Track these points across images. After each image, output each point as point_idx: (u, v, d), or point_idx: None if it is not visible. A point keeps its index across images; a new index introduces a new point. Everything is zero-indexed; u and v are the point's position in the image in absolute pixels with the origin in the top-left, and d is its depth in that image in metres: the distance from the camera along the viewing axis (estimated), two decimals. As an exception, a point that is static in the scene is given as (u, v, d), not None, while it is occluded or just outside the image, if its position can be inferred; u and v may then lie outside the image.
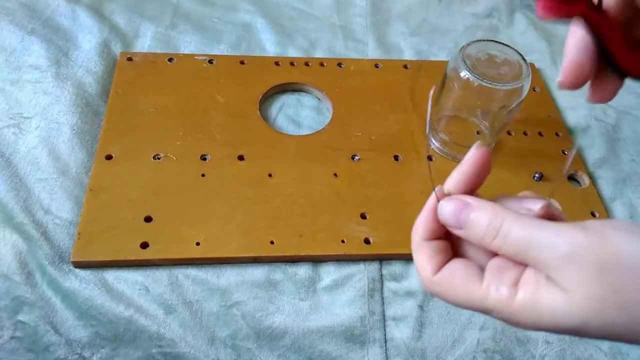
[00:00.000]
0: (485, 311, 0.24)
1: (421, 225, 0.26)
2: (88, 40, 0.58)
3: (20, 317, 0.39)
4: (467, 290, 0.24)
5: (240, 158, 0.50)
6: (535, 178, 0.53)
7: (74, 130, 0.50)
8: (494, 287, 0.23)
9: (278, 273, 0.44)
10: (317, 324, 0.42)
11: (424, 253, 0.26)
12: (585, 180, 0.54)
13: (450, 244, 0.27)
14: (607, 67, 0.28)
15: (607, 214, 0.52)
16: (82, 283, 0.42)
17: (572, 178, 0.55)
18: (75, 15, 0.60)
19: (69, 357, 0.39)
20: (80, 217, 0.44)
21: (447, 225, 0.25)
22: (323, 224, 0.46)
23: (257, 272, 0.44)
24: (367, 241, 0.46)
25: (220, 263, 0.44)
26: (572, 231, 0.22)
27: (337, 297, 0.44)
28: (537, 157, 0.55)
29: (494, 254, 0.25)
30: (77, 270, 0.42)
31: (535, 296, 0.22)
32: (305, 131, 0.55)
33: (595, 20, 0.26)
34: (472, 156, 0.26)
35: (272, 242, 0.45)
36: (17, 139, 0.49)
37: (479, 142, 0.26)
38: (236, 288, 0.43)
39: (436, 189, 0.26)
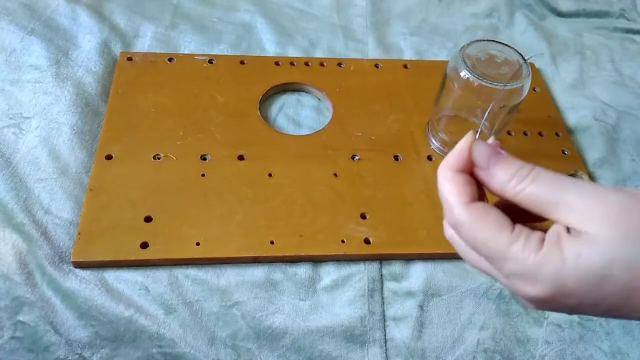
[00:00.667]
0: (501, 259, 0.24)
1: (454, 157, 0.26)
2: (88, 40, 0.58)
3: (20, 317, 0.39)
4: (496, 231, 0.24)
5: (240, 158, 0.50)
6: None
7: (74, 130, 0.50)
8: (524, 237, 0.23)
9: (278, 273, 0.44)
10: (317, 324, 0.42)
11: (457, 182, 0.25)
12: (586, 180, 0.54)
13: (482, 192, 0.27)
14: None
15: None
16: (82, 283, 0.42)
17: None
18: (75, 15, 0.60)
19: (69, 357, 0.39)
20: (80, 217, 0.44)
21: (475, 162, 0.25)
22: (323, 224, 0.46)
23: (257, 272, 0.44)
24: (367, 241, 0.46)
25: (220, 263, 0.44)
26: (595, 184, 0.23)
27: (337, 297, 0.44)
28: (537, 157, 0.55)
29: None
30: (77, 270, 0.42)
31: (560, 246, 0.22)
32: (305, 131, 0.55)
33: None
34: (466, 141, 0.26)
35: (272, 242, 0.45)
36: (17, 139, 0.49)
37: (493, 136, 0.27)
38: (236, 288, 0.43)
39: (477, 130, 0.27)
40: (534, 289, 0.23)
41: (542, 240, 0.23)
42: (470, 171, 0.26)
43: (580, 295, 0.22)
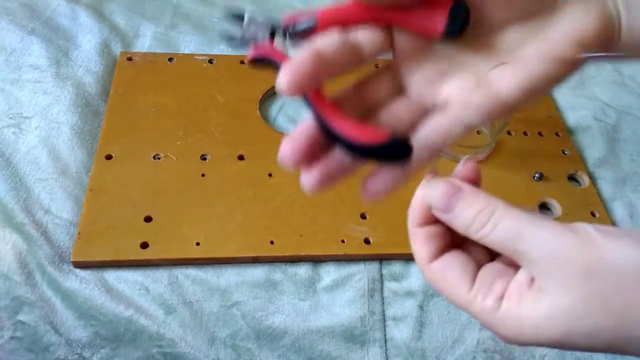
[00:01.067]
0: (471, 313, 0.24)
1: (414, 211, 0.25)
2: (88, 40, 0.58)
3: (20, 317, 0.39)
4: (456, 290, 0.24)
5: (240, 158, 0.50)
6: (535, 178, 0.53)
7: (74, 130, 0.50)
8: (481, 296, 0.23)
9: (278, 273, 0.44)
10: (317, 324, 0.42)
11: (417, 239, 0.25)
12: (585, 180, 0.54)
13: (449, 232, 0.25)
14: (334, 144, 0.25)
15: (607, 214, 0.52)
16: (82, 283, 0.41)
17: (572, 178, 0.55)
18: (75, 15, 0.60)
19: (69, 357, 0.39)
20: (80, 217, 0.44)
21: (434, 208, 0.24)
22: (323, 224, 0.46)
23: (257, 272, 0.44)
24: (367, 241, 0.46)
25: (220, 263, 0.44)
26: (561, 231, 0.21)
27: (337, 297, 0.44)
28: (537, 157, 0.55)
29: (491, 254, 0.25)
30: (77, 270, 0.42)
31: (519, 306, 0.22)
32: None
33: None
34: (461, 171, 0.25)
35: (272, 242, 0.45)
36: (17, 138, 0.49)
37: (467, 157, 0.26)
38: (236, 288, 0.43)
39: (428, 172, 0.25)
40: (500, 338, 0.23)
41: (501, 297, 0.22)
42: (435, 219, 0.25)
43: (543, 347, 0.22)
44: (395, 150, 0.23)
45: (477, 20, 0.24)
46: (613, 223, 0.51)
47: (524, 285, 0.22)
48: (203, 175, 0.48)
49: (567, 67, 0.25)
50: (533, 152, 0.55)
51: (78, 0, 0.61)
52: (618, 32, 0.25)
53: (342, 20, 0.25)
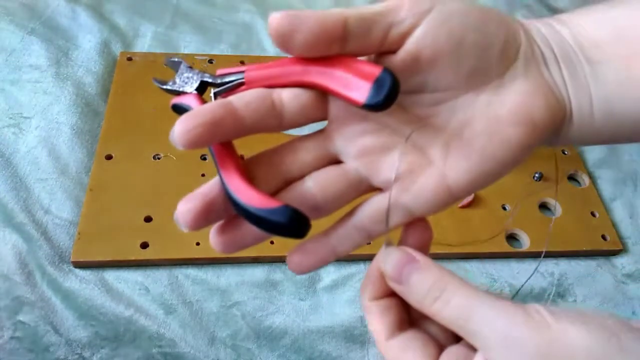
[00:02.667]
0: None
1: (368, 283, 0.24)
2: (88, 40, 0.58)
3: (20, 317, 0.39)
4: None
5: (240, 158, 0.50)
6: (535, 178, 0.53)
7: (74, 130, 0.50)
8: None
9: (278, 273, 0.44)
10: (317, 324, 0.42)
11: (373, 314, 0.24)
12: (585, 180, 0.54)
13: (406, 307, 0.24)
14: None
15: (607, 214, 0.52)
16: (82, 283, 0.41)
17: (572, 178, 0.55)
18: (75, 15, 0.60)
19: (69, 357, 0.39)
20: (80, 217, 0.44)
21: (387, 277, 0.23)
22: (323, 224, 0.46)
23: (257, 272, 0.44)
24: (367, 241, 0.46)
25: (220, 263, 0.44)
26: (514, 312, 0.20)
27: (337, 297, 0.44)
28: (537, 157, 0.54)
29: (452, 333, 0.24)
30: (77, 270, 0.42)
31: None
32: (305, 131, 0.55)
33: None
34: (412, 237, 0.25)
35: (272, 242, 0.45)
36: (17, 139, 0.49)
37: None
38: (236, 288, 0.43)
39: (385, 242, 0.24)
40: None
41: None
42: (390, 291, 0.24)
43: None
44: (289, 222, 0.21)
45: (420, 86, 0.23)
46: (613, 223, 0.51)
47: None
48: (203, 175, 0.48)
49: (518, 152, 0.23)
50: (533, 152, 0.55)
51: (78, 0, 0.61)
52: (569, 115, 0.24)
53: (271, 81, 0.24)
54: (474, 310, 0.21)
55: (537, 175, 0.53)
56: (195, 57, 0.58)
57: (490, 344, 0.20)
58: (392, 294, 0.24)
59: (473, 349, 0.22)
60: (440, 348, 0.23)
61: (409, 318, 0.24)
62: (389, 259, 0.23)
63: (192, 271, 0.43)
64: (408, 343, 0.23)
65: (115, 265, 0.43)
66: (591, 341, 0.19)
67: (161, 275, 0.43)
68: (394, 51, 0.22)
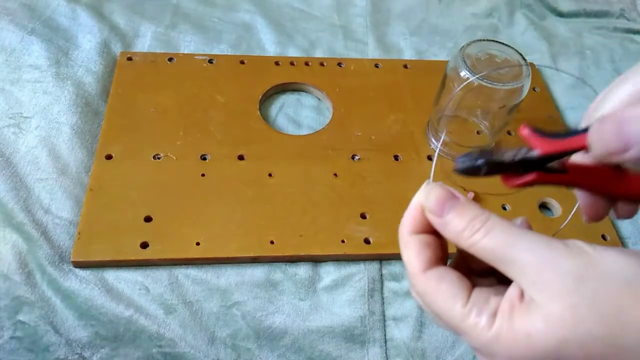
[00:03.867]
0: (459, 332, 0.23)
1: (409, 218, 0.25)
2: (88, 40, 0.58)
3: (20, 317, 0.39)
4: (449, 303, 0.23)
5: (240, 158, 0.50)
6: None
7: (74, 130, 0.50)
8: (476, 311, 0.22)
9: (278, 273, 0.44)
10: (317, 324, 0.42)
11: (412, 247, 0.24)
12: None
13: (442, 246, 0.25)
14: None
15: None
16: (82, 283, 0.41)
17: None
18: (75, 15, 0.60)
19: (69, 357, 0.39)
20: (80, 217, 0.44)
21: (427, 210, 0.24)
22: (323, 224, 0.46)
23: (257, 272, 0.44)
24: (367, 241, 0.46)
25: (220, 263, 0.44)
26: (551, 240, 0.21)
27: (337, 297, 0.44)
28: (537, 157, 0.54)
29: (482, 275, 0.24)
30: (77, 270, 0.42)
31: (511, 322, 0.21)
32: (305, 131, 0.55)
33: (562, 179, 0.25)
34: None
35: (272, 242, 0.45)
36: (17, 138, 0.49)
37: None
38: (236, 288, 0.43)
39: (427, 181, 0.25)
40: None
41: (494, 315, 0.22)
42: (429, 229, 0.25)
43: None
44: None
45: None
46: (613, 223, 0.51)
47: (515, 300, 0.22)
48: (203, 175, 0.48)
49: None
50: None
51: (78, 0, 0.61)
52: None
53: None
54: (514, 239, 0.22)
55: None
56: (195, 57, 0.58)
57: (528, 269, 0.21)
58: (430, 232, 0.25)
59: (504, 284, 0.23)
60: (473, 285, 0.23)
61: (442, 257, 0.25)
62: (431, 193, 0.24)
63: (192, 271, 0.43)
64: (444, 274, 0.23)
65: (115, 265, 0.43)
66: (627, 265, 0.20)
67: (161, 275, 0.43)
68: None
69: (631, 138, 0.21)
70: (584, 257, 0.21)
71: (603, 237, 0.50)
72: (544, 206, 0.52)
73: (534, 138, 0.24)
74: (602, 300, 0.20)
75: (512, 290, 0.22)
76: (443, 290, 0.23)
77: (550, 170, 0.24)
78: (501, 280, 0.24)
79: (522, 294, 0.21)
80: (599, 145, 0.22)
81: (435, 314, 0.24)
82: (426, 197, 0.24)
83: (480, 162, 0.23)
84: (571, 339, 0.20)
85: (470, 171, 0.24)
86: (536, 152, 0.23)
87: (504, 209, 0.49)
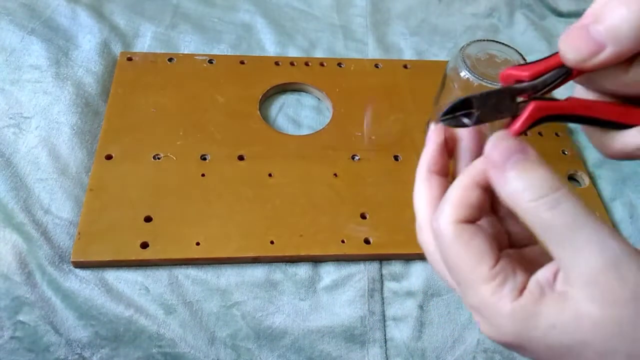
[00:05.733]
0: (469, 290, 0.21)
1: (429, 156, 0.23)
2: (88, 40, 0.58)
3: (20, 317, 0.39)
4: (475, 262, 0.21)
5: (240, 158, 0.50)
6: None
7: (74, 130, 0.50)
8: (500, 279, 0.20)
9: (278, 273, 0.44)
10: (317, 324, 0.42)
11: (466, 196, 0.22)
12: (585, 180, 0.54)
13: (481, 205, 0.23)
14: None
15: (607, 214, 0.52)
16: (82, 283, 0.41)
17: (572, 178, 0.55)
18: (75, 15, 0.60)
19: (69, 357, 0.39)
20: (80, 217, 0.44)
21: (487, 159, 0.21)
22: (323, 224, 0.46)
23: (257, 272, 0.44)
24: (367, 241, 0.46)
25: (220, 263, 0.44)
26: (621, 242, 0.19)
27: (337, 297, 0.44)
28: (537, 157, 0.54)
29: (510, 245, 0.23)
30: (77, 270, 0.42)
31: (538, 305, 0.20)
32: (305, 131, 0.55)
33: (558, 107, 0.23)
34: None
35: (272, 242, 0.45)
36: (17, 138, 0.49)
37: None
38: (236, 288, 0.43)
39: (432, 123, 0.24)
40: (491, 332, 0.21)
41: (521, 290, 0.20)
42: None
43: (540, 356, 0.20)
44: None
45: None
46: (613, 223, 0.51)
47: (546, 285, 0.20)
48: (203, 175, 0.48)
49: None
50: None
51: (78, 0, 0.61)
52: None
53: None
54: (583, 223, 0.19)
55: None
56: (195, 57, 0.58)
57: (583, 264, 0.19)
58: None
59: (532, 262, 0.21)
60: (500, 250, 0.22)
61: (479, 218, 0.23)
62: (498, 142, 0.21)
63: (192, 271, 0.43)
64: (478, 232, 0.21)
65: (115, 265, 0.43)
66: None
67: (161, 275, 0.43)
68: None
69: (602, 35, 0.20)
70: None
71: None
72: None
73: (516, 69, 0.23)
74: None
75: (545, 273, 0.20)
76: (473, 245, 0.21)
77: (548, 99, 0.23)
78: (524, 256, 0.22)
79: (555, 280, 0.20)
80: (570, 50, 0.21)
81: (451, 262, 0.22)
82: (491, 145, 0.21)
83: (471, 96, 0.21)
84: (595, 345, 0.19)
85: (460, 108, 0.22)
86: (525, 81, 0.22)
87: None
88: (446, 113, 0.22)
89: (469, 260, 0.21)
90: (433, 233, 0.23)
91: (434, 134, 0.24)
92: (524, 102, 0.23)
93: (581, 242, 0.19)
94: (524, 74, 0.23)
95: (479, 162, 0.22)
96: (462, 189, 0.22)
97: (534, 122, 0.22)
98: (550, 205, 0.19)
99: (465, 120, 0.22)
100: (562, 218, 0.19)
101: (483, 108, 0.22)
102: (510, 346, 0.21)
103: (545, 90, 0.23)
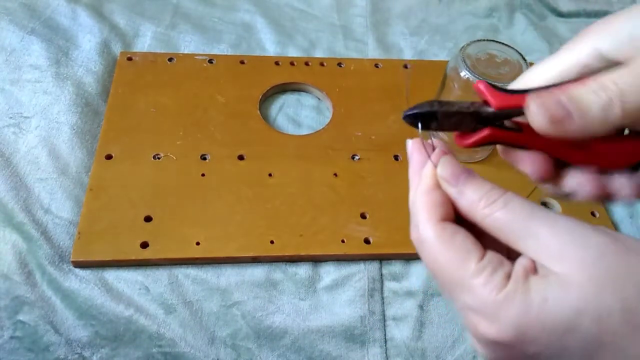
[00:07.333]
0: (460, 290, 0.21)
1: (430, 174, 0.24)
2: (88, 40, 0.58)
3: (20, 317, 0.39)
4: (461, 258, 0.21)
5: (240, 158, 0.50)
6: (535, 178, 0.53)
7: (74, 130, 0.50)
8: (489, 271, 0.21)
9: (278, 273, 0.44)
10: (317, 324, 0.42)
11: (432, 198, 0.23)
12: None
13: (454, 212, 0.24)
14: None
15: (607, 213, 0.52)
16: (82, 283, 0.41)
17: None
18: (75, 15, 0.60)
19: (69, 357, 0.39)
20: (80, 217, 0.44)
21: (440, 178, 0.24)
22: (323, 224, 0.46)
23: (257, 272, 0.44)
24: (367, 241, 0.46)
25: (220, 263, 0.44)
26: (572, 219, 0.21)
27: (337, 297, 0.44)
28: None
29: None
30: (77, 270, 0.42)
31: (526, 286, 0.20)
32: (305, 131, 0.55)
33: (512, 138, 0.24)
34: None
35: (272, 242, 0.45)
36: (17, 138, 0.49)
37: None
38: (236, 288, 0.43)
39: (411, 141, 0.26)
40: (491, 329, 0.21)
41: (509, 276, 0.21)
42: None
43: (541, 344, 0.20)
44: None
45: None
46: (613, 223, 0.51)
47: (529, 269, 0.21)
48: (203, 175, 0.48)
49: None
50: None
51: (78, 0, 0.61)
52: None
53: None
54: (534, 213, 0.21)
55: (537, 175, 0.53)
56: (195, 57, 0.58)
57: (547, 243, 0.21)
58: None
59: (509, 258, 0.22)
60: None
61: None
62: (446, 164, 0.24)
63: (192, 271, 0.43)
64: (459, 230, 0.23)
65: (115, 265, 0.43)
66: None
67: (161, 275, 0.43)
68: None
69: (576, 107, 0.22)
70: (608, 235, 0.21)
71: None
72: (544, 206, 0.52)
73: (489, 92, 0.23)
74: (626, 275, 0.20)
75: (524, 261, 0.21)
76: (457, 243, 0.22)
77: (505, 128, 0.24)
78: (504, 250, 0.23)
79: (534, 268, 0.21)
80: (540, 112, 0.22)
81: (439, 266, 0.22)
82: (441, 167, 0.24)
83: (433, 108, 0.23)
84: (588, 311, 0.19)
85: (421, 117, 0.24)
86: (491, 108, 0.23)
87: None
88: (410, 115, 0.24)
89: (456, 258, 0.22)
90: (415, 244, 0.24)
91: (418, 148, 0.26)
92: (482, 125, 0.24)
93: (535, 228, 0.21)
94: (493, 101, 0.23)
95: (427, 170, 0.24)
96: (425, 194, 0.24)
97: (484, 143, 0.24)
98: (501, 205, 0.22)
99: (420, 125, 0.24)
100: (513, 213, 0.22)
101: (444, 121, 0.24)
102: (511, 343, 0.21)
103: (507, 118, 0.24)
